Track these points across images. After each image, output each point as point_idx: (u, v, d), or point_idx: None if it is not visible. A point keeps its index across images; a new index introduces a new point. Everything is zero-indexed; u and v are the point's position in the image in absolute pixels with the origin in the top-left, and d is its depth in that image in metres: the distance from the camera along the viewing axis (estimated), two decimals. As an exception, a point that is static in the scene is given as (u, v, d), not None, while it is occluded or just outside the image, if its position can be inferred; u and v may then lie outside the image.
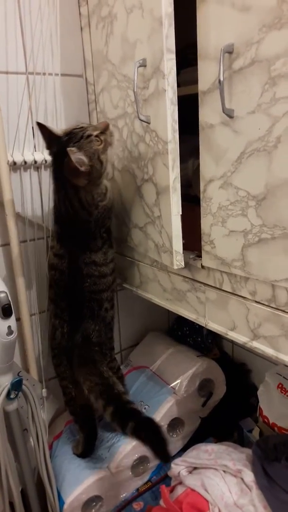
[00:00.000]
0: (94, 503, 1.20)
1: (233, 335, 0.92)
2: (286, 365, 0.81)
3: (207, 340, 1.52)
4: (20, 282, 1.20)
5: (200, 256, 0.95)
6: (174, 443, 1.32)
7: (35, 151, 1.21)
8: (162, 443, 1.04)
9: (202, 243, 0.92)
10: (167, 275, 1.10)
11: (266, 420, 1.23)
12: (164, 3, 0.78)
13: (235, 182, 0.79)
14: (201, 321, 1.01)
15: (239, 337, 0.90)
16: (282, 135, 0.68)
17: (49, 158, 1.06)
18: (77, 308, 1.13)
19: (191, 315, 1.05)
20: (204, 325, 1.01)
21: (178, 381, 1.32)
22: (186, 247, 0.94)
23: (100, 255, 1.11)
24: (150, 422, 1.07)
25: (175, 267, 0.94)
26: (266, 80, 0.68)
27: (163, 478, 1.28)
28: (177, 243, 0.92)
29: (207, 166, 0.85)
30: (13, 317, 1.00)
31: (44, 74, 1.18)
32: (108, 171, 1.22)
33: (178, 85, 0.84)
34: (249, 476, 0.98)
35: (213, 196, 0.86)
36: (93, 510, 1.20)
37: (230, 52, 0.73)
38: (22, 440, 1.11)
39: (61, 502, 1.16)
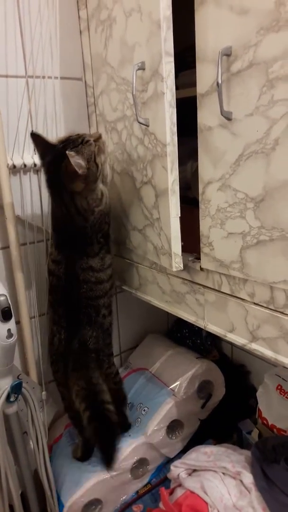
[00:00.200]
0: (94, 506, 1.20)
1: (232, 337, 0.92)
2: (285, 367, 0.81)
3: (206, 342, 1.53)
4: (20, 285, 1.20)
5: (199, 258, 0.95)
6: (173, 445, 1.32)
7: (35, 154, 1.21)
8: (111, 451, 1.16)
9: (201, 245, 0.93)
10: (166, 277, 1.10)
11: (265, 421, 1.23)
12: (163, 7, 0.78)
13: (234, 184, 0.80)
14: (200, 323, 1.01)
15: (238, 339, 0.91)
16: (280, 137, 0.68)
17: (40, 167, 1.08)
18: (74, 314, 1.13)
19: (190, 317, 1.05)
20: (203, 327, 1.01)
21: (177, 383, 1.32)
22: (185, 249, 0.95)
23: (97, 261, 1.11)
24: (112, 430, 1.13)
25: (174, 269, 0.95)
26: (264, 82, 0.69)
27: (162, 481, 1.28)
28: (176, 245, 0.93)
29: (206, 169, 0.86)
30: (12, 320, 1.00)
31: (43, 77, 1.18)
32: (106, 173, 1.22)
33: (177, 88, 0.85)
34: (248, 478, 0.98)
35: (211, 198, 0.86)
36: (93, 513, 1.20)
37: (228, 55, 0.74)
38: (22, 443, 1.11)
39: (61, 505, 1.16)
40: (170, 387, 1.33)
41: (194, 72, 0.82)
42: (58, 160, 0.98)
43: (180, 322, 1.59)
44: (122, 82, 1.01)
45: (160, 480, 1.29)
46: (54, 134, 1.23)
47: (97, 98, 1.20)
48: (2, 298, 0.98)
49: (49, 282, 1.15)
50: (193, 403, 1.33)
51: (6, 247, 1.19)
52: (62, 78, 1.22)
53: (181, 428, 1.33)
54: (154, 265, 1.14)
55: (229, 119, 0.76)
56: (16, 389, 1.04)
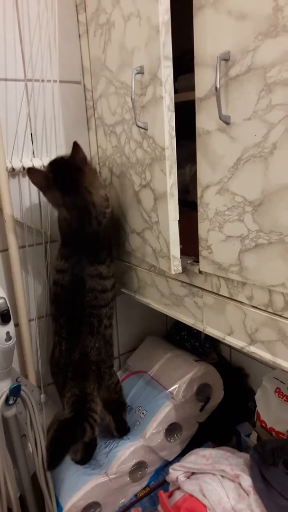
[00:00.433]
0: (92, 509, 1.19)
1: (230, 340, 0.92)
2: (283, 370, 0.81)
3: (205, 344, 1.53)
4: (19, 287, 1.21)
5: (197, 261, 0.95)
6: (172, 448, 1.32)
7: (34, 157, 1.21)
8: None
9: (200, 248, 0.93)
10: (164, 280, 1.10)
11: (263, 424, 1.23)
12: (161, 11, 0.79)
13: (232, 188, 0.80)
14: (199, 326, 1.02)
15: (237, 341, 0.91)
16: (278, 142, 0.69)
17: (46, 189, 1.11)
18: (76, 324, 1.13)
19: (189, 320, 1.05)
20: (201, 330, 1.01)
21: (176, 386, 1.32)
22: (183, 252, 0.95)
23: (104, 268, 1.13)
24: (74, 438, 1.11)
25: (173, 272, 0.95)
26: (262, 87, 0.69)
27: (161, 484, 1.28)
28: (175, 249, 0.93)
29: (204, 172, 0.86)
30: (11, 323, 1.00)
31: (42, 80, 1.18)
32: (106, 176, 1.23)
33: (176, 91, 0.85)
34: (246, 481, 0.98)
35: (210, 202, 0.86)
36: (91, 516, 1.20)
37: (227, 60, 0.74)
38: (20, 446, 1.11)
39: (59, 508, 1.16)
40: (169, 390, 1.33)
41: (193, 76, 0.83)
42: (63, 171, 1.07)
43: (179, 325, 1.60)
44: (121, 86, 1.02)
45: (158, 483, 1.28)
46: (53, 137, 1.23)
47: (96, 101, 1.20)
48: (1, 301, 0.98)
49: (52, 292, 1.16)
50: (191, 406, 1.33)
51: (5, 250, 1.19)
52: (61, 81, 1.22)
53: (179, 431, 1.33)
54: (153, 268, 1.14)
55: (227, 123, 0.77)
56: (15, 391, 1.04)
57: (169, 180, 0.87)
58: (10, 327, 1.00)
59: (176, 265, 0.95)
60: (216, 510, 0.95)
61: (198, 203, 0.90)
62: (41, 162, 1.20)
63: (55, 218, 1.22)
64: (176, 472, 1.10)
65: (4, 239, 1.17)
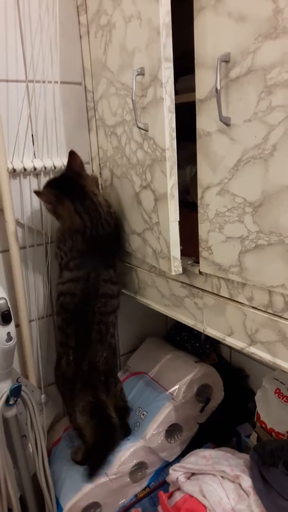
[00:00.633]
0: (93, 510, 1.19)
1: (230, 341, 0.92)
2: (283, 370, 0.81)
3: (205, 345, 1.53)
4: (19, 288, 1.21)
5: (197, 262, 0.96)
6: (172, 449, 1.32)
7: (35, 158, 1.22)
8: (100, 461, 1.15)
9: (200, 249, 0.93)
10: (165, 281, 1.10)
11: (263, 425, 1.24)
12: (162, 13, 0.79)
13: (232, 189, 0.80)
14: (199, 327, 1.02)
15: (237, 342, 0.91)
16: (278, 143, 0.69)
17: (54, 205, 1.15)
18: (85, 332, 1.12)
19: (189, 320, 1.05)
20: (202, 331, 1.01)
21: (176, 387, 1.32)
22: (183, 253, 0.95)
23: (113, 272, 1.15)
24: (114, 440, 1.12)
25: (173, 273, 0.95)
26: (262, 88, 0.69)
27: (161, 484, 1.28)
28: (175, 249, 0.93)
29: (205, 173, 0.86)
30: (12, 324, 1.00)
31: (43, 82, 1.19)
32: (107, 177, 1.23)
33: (176, 93, 0.85)
34: (246, 481, 0.98)
35: (210, 203, 0.86)
36: (92, 517, 1.20)
37: (227, 61, 0.75)
38: (20, 446, 1.11)
39: (60, 508, 1.16)
40: (169, 391, 1.33)
41: (193, 77, 0.83)
42: (63, 179, 1.13)
43: (179, 326, 1.60)
44: (122, 87, 1.02)
45: (159, 484, 1.29)
46: (53, 138, 1.24)
47: (97, 102, 1.21)
48: (2, 301, 0.98)
49: (59, 303, 1.15)
50: (192, 407, 1.33)
51: (6, 251, 1.20)
52: (62, 82, 1.22)
53: (180, 432, 1.33)
54: (153, 268, 1.14)
55: (227, 124, 0.77)
56: (15, 392, 1.05)
57: (169, 181, 0.88)
58: (11, 328, 1.00)
59: (176, 266, 0.95)
60: (216, 511, 0.95)
61: (198, 204, 0.90)
62: (42, 163, 1.20)
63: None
64: (176, 473, 1.10)
65: (5, 239, 1.18)
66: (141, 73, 0.89)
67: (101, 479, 1.19)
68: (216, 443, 1.32)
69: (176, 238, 0.92)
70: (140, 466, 1.27)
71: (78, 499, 1.15)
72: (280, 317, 0.79)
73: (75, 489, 1.17)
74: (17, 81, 1.15)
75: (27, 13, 1.13)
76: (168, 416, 1.29)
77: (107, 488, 1.19)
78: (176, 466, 1.12)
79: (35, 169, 1.20)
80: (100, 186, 1.30)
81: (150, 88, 0.87)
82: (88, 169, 1.32)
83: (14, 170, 1.16)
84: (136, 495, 1.26)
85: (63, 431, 1.39)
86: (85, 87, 1.26)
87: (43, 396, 1.31)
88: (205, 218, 0.89)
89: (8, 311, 0.99)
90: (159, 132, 0.86)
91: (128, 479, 1.24)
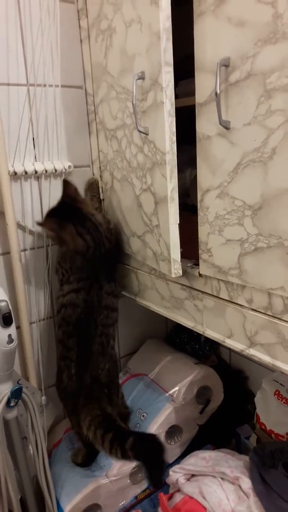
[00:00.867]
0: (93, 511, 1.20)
1: (230, 343, 0.93)
2: (282, 372, 0.82)
3: (204, 347, 1.53)
4: (20, 290, 1.21)
5: (197, 264, 0.96)
6: (172, 450, 1.32)
7: (36, 161, 1.22)
8: (159, 466, 1.01)
9: (200, 251, 0.94)
10: (165, 283, 1.11)
11: (263, 426, 1.24)
12: (162, 18, 0.80)
13: (232, 192, 0.81)
14: (199, 329, 1.02)
15: (236, 344, 0.91)
16: (278, 147, 0.69)
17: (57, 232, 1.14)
18: (86, 345, 1.13)
19: (189, 322, 1.06)
20: (201, 333, 1.01)
21: (176, 388, 1.33)
22: (183, 255, 0.96)
23: (114, 286, 1.18)
24: (152, 437, 1.05)
25: (173, 275, 0.96)
26: (261, 93, 0.70)
27: (161, 486, 1.28)
28: (175, 252, 0.94)
29: (204, 176, 0.87)
30: (13, 326, 1.00)
31: (44, 85, 1.20)
32: (107, 180, 1.24)
33: (176, 96, 0.86)
34: (246, 483, 0.98)
35: (210, 206, 0.87)
36: (92, 518, 1.20)
37: (227, 66, 0.75)
38: (21, 448, 1.11)
39: (60, 510, 1.16)
40: (169, 392, 1.33)
41: (193, 81, 0.84)
42: (61, 206, 1.15)
43: (179, 328, 1.60)
44: (122, 91, 1.03)
45: (159, 485, 1.29)
46: (54, 141, 1.24)
47: (97, 106, 1.21)
48: (3, 303, 0.99)
49: (61, 316, 1.16)
50: (191, 409, 1.34)
51: (7, 253, 1.20)
52: (62, 86, 1.23)
53: (179, 433, 1.34)
54: (153, 271, 1.15)
55: (227, 128, 0.78)
56: (16, 394, 1.05)
57: (169, 184, 0.88)
58: (12, 330, 1.00)
59: (176, 268, 0.95)
60: (216, 512, 0.95)
61: (198, 207, 0.91)
62: (42, 166, 1.21)
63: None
64: (176, 474, 1.10)
65: (6, 242, 1.18)
66: (142, 77, 0.90)
67: (101, 481, 1.19)
68: (216, 445, 1.32)
69: (176, 240, 0.93)
70: (140, 468, 1.27)
71: (79, 501, 1.15)
72: (280, 319, 0.80)
73: (75, 491, 1.17)
74: (18, 84, 1.16)
75: (28, 17, 1.14)
76: (168, 417, 1.29)
77: (107, 490, 1.20)
78: (176, 468, 1.12)
79: (36, 172, 1.20)
80: (100, 189, 1.31)
81: (150, 92, 0.88)
82: (88, 172, 1.33)
83: (15, 173, 1.17)
84: (136, 497, 1.26)
85: (64, 433, 1.40)
86: (85, 90, 1.27)
87: (43, 398, 1.31)
88: (205, 220, 0.90)
89: (9, 313, 0.99)
90: (159, 136, 0.87)
91: (128, 481, 1.24)
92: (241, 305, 0.88)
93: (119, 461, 1.18)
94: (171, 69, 0.82)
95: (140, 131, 0.93)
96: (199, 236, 0.93)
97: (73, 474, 1.23)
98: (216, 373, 1.38)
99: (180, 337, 1.59)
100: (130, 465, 1.23)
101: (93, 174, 1.33)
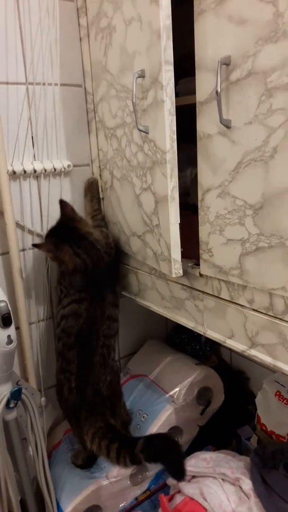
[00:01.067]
0: (93, 513, 1.19)
1: (231, 343, 0.92)
2: (283, 373, 0.81)
3: (205, 347, 1.53)
4: (19, 290, 1.21)
5: (198, 264, 0.96)
6: (173, 451, 1.32)
7: (35, 160, 1.22)
8: (178, 457, 1.00)
9: (200, 251, 0.93)
10: (165, 283, 1.10)
11: (264, 427, 1.23)
12: (162, 16, 0.79)
13: (233, 191, 0.80)
14: (200, 329, 1.02)
15: (237, 345, 0.91)
16: (279, 146, 0.69)
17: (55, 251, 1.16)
18: (87, 356, 1.12)
19: (190, 323, 1.05)
20: (202, 333, 1.01)
21: (177, 389, 1.32)
22: (184, 255, 0.95)
23: (116, 296, 1.18)
24: (162, 435, 1.06)
25: (174, 275, 0.95)
26: (262, 91, 0.69)
27: (161, 487, 1.28)
28: (176, 252, 0.93)
29: (205, 175, 0.86)
30: (12, 326, 1.00)
31: (43, 84, 1.19)
32: (107, 179, 1.23)
33: (177, 95, 0.85)
34: (247, 484, 0.98)
35: (210, 205, 0.87)
36: (92, 520, 1.20)
37: (227, 64, 0.75)
38: (21, 449, 1.11)
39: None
40: (169, 393, 1.33)
41: (194, 79, 0.83)
42: (59, 226, 1.17)
43: (179, 328, 1.60)
44: (122, 89, 1.02)
45: (159, 487, 1.28)
46: (54, 140, 1.24)
47: (97, 104, 1.21)
48: (2, 304, 0.98)
49: (60, 328, 1.15)
50: (192, 410, 1.33)
51: (6, 253, 1.20)
52: (62, 84, 1.22)
53: (180, 434, 1.33)
54: (153, 271, 1.14)
55: (228, 127, 0.77)
56: (16, 395, 1.04)
57: (170, 184, 0.88)
58: (11, 331, 0.99)
59: (177, 268, 0.95)
60: (217, 514, 0.95)
61: (199, 206, 0.90)
62: (41, 165, 1.20)
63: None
64: (176, 476, 1.10)
65: (5, 242, 1.18)
66: (142, 75, 0.89)
67: (102, 482, 1.19)
68: (217, 446, 1.32)
69: (177, 240, 0.92)
70: (141, 469, 1.27)
71: (79, 502, 1.15)
72: (281, 319, 0.79)
73: (75, 492, 1.17)
74: (17, 83, 1.15)
75: (27, 15, 1.13)
76: (168, 418, 1.28)
77: (107, 491, 1.19)
78: (176, 469, 1.11)
79: (35, 171, 1.20)
80: (100, 188, 1.30)
81: (150, 91, 0.88)
82: (87, 171, 1.32)
83: (14, 172, 1.16)
84: (136, 498, 1.26)
85: (63, 434, 1.39)
86: (85, 89, 1.26)
87: (43, 399, 1.31)
88: (206, 220, 0.89)
89: (9, 313, 0.99)
90: (160, 135, 0.86)
91: (129, 482, 1.24)
92: (242, 306, 0.88)
93: (128, 468, 1.19)
94: (171, 67, 0.82)
95: (140, 130, 0.92)
96: (199, 236, 0.92)
97: (73, 475, 1.22)
98: (216, 374, 1.38)
99: (180, 338, 1.58)
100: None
101: (93, 173, 1.32)
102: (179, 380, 1.34)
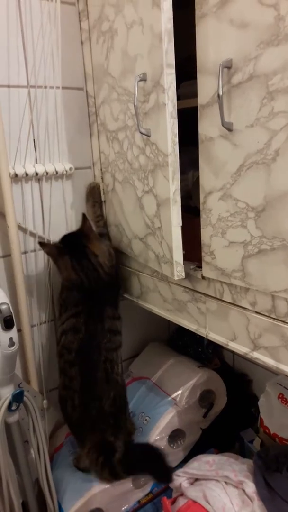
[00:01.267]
0: (95, 516, 1.19)
1: (233, 346, 0.92)
2: (286, 376, 0.81)
3: (207, 350, 1.52)
4: (21, 293, 1.21)
5: (200, 266, 0.95)
6: (175, 454, 1.32)
7: (36, 163, 1.22)
8: (159, 461, 1.04)
9: (202, 253, 0.93)
10: (167, 286, 1.10)
11: (267, 430, 1.23)
12: (164, 20, 0.79)
13: (235, 194, 0.80)
14: (202, 332, 1.02)
15: (240, 347, 0.91)
16: (281, 149, 0.69)
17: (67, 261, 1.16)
18: (90, 372, 1.11)
19: (192, 325, 1.05)
20: (205, 336, 1.01)
21: (179, 392, 1.32)
22: (186, 257, 0.95)
23: (116, 310, 1.18)
24: (140, 444, 1.07)
25: (176, 278, 0.95)
26: (264, 94, 0.70)
27: (164, 490, 1.27)
28: (178, 254, 0.93)
29: (207, 178, 0.86)
30: (14, 329, 1.00)
31: (45, 87, 1.19)
32: (109, 182, 1.23)
33: (178, 98, 0.85)
34: (250, 487, 0.98)
35: (213, 208, 0.87)
36: (94, 523, 1.20)
37: (229, 67, 0.75)
38: (23, 452, 1.11)
39: (62, 514, 1.16)
40: (172, 396, 1.33)
41: (196, 83, 0.83)
42: (71, 237, 1.18)
43: (182, 331, 1.59)
44: (124, 93, 1.02)
45: (161, 490, 1.28)
46: (55, 143, 1.24)
47: (99, 107, 1.21)
48: (4, 306, 0.98)
49: (61, 344, 1.14)
50: (194, 413, 1.33)
51: (8, 255, 1.20)
52: (63, 88, 1.23)
53: (183, 437, 1.33)
54: (155, 273, 1.14)
55: (230, 130, 0.77)
56: (18, 397, 1.04)
57: (172, 186, 0.88)
58: (13, 333, 0.99)
59: (179, 271, 0.95)
60: (220, 517, 0.94)
61: (201, 209, 0.90)
62: (43, 168, 1.21)
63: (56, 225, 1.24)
64: (179, 478, 1.09)
65: (7, 244, 1.18)
66: (143, 78, 0.90)
67: (104, 485, 1.18)
68: (219, 449, 1.31)
69: (179, 243, 0.92)
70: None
71: (81, 505, 1.15)
72: (284, 322, 0.79)
73: (77, 495, 1.17)
74: (19, 86, 1.15)
75: (28, 18, 1.13)
76: (171, 421, 1.28)
77: (109, 494, 1.19)
78: (179, 472, 1.11)
79: (36, 174, 1.20)
80: (102, 191, 1.30)
81: (152, 94, 0.88)
82: (89, 174, 1.32)
83: (16, 175, 1.16)
84: (139, 501, 1.26)
85: (65, 437, 1.39)
86: (86, 92, 1.27)
87: (45, 401, 1.31)
88: (208, 223, 0.89)
89: (11, 316, 0.99)
90: (161, 138, 0.86)
91: (131, 485, 1.23)
92: (244, 308, 0.87)
93: (112, 484, 1.17)
94: (173, 70, 0.82)
95: (142, 133, 0.92)
96: (202, 239, 0.92)
97: (75, 478, 1.22)
98: (219, 377, 1.38)
99: (182, 340, 1.58)
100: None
101: (94, 175, 1.32)
102: (181, 382, 1.34)
